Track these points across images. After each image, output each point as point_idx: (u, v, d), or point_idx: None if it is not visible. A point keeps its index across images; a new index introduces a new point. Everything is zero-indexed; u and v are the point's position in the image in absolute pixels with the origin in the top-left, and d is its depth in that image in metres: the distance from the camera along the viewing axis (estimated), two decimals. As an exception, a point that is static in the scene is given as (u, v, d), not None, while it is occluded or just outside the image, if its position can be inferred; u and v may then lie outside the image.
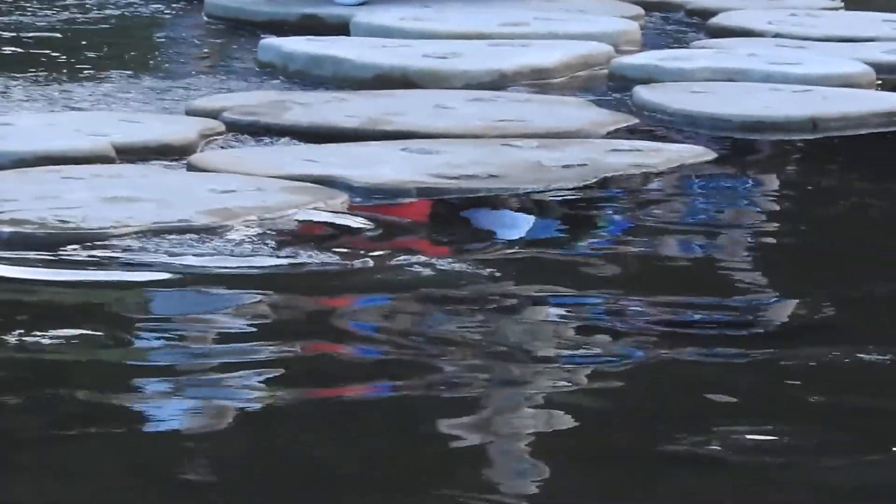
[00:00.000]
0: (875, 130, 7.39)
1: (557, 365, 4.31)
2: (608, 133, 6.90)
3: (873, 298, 5.10)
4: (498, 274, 5.24)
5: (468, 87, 7.99)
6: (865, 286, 5.17)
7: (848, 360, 4.50)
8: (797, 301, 4.79)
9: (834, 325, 4.79)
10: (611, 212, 6.32)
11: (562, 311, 4.68)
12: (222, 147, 6.96)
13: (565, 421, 4.14)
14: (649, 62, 8.06)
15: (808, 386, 4.35)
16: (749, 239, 5.99)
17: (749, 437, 3.75)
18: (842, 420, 4.14)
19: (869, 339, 4.59)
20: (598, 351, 4.55)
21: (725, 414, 4.10)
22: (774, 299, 4.83)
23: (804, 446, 3.74)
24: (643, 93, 7.36)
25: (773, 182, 6.87)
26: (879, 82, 8.05)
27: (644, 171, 6.43)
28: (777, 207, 6.44)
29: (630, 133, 6.98)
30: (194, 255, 5.38)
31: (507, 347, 4.44)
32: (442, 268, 5.33)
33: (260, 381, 3.69)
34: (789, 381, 4.34)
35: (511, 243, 5.76)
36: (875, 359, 4.48)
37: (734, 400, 4.17)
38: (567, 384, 4.15)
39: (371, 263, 5.31)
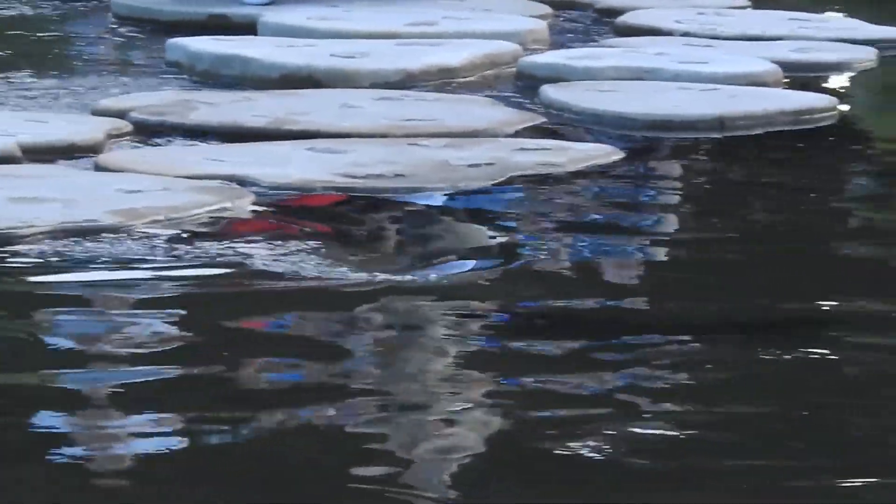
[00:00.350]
0: (783, 129, 7.49)
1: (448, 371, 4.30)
2: (516, 132, 6.94)
3: (774, 293, 5.15)
4: (398, 278, 5.23)
5: (375, 86, 8.03)
6: (769, 282, 5.25)
7: (749, 355, 4.54)
8: (692, 300, 4.89)
9: (739, 323, 4.84)
10: (516, 210, 6.45)
11: (454, 317, 4.61)
12: (129, 147, 6.96)
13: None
14: (557, 61, 8.16)
15: (697, 380, 4.35)
16: (645, 239, 6.08)
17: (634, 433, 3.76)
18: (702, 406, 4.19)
19: (765, 340, 4.68)
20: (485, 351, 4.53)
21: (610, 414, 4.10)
22: (666, 298, 4.86)
23: (682, 440, 3.82)
24: (550, 92, 7.42)
25: (677, 180, 6.94)
26: (787, 81, 8.17)
27: (551, 169, 6.44)
28: (680, 205, 6.51)
29: (537, 132, 7.01)
30: (100, 255, 5.32)
31: (399, 355, 4.43)
32: (340, 268, 5.31)
33: (159, 389, 3.63)
34: (675, 374, 4.35)
35: (415, 242, 5.97)
36: (770, 356, 4.51)
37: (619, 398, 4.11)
38: (457, 393, 4.13)
39: (274, 262, 5.26)
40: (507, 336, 4.62)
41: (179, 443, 3.33)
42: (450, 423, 3.82)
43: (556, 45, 9.21)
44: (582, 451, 3.84)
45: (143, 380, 4.32)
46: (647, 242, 6.05)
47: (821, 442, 4.07)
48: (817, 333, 5.14)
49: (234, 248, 5.59)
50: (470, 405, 3.92)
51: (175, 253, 5.47)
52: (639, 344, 4.77)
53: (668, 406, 4.33)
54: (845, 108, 8.25)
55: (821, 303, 5.51)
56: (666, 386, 4.48)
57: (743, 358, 4.80)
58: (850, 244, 6.31)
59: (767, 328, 5.27)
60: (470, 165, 6.27)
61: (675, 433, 4.05)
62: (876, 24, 9.84)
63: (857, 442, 3.99)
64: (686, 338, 4.74)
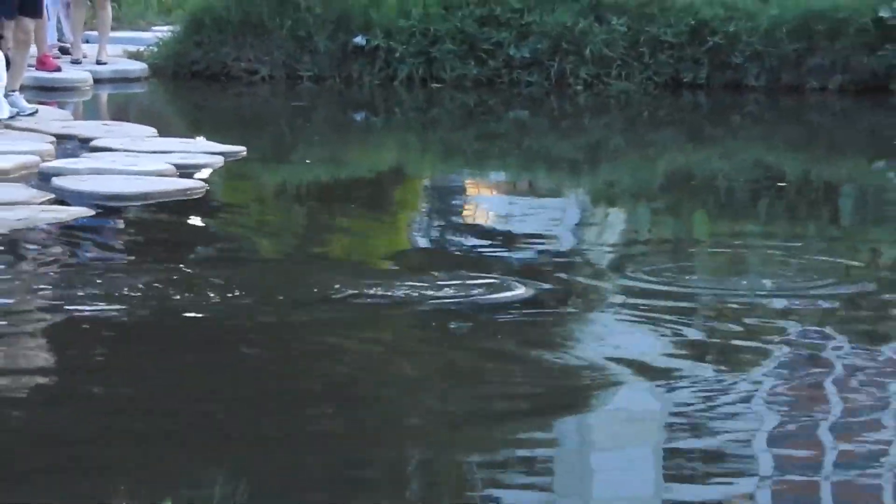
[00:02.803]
0: (174, 199, 10.84)
1: None
2: (40, 202, 10.25)
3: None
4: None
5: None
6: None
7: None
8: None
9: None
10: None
11: None
12: None
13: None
14: (60, 165, 11.67)
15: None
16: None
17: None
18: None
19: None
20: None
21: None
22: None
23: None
24: (56, 181, 10.86)
25: (136, 225, 10.48)
26: (178, 174, 11.45)
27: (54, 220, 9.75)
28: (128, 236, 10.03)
29: (53, 202, 10.33)
30: None
31: None
32: None
33: None
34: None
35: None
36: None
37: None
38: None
39: None
40: None
41: None
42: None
43: (59, 156, 12.22)
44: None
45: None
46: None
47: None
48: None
49: None
50: None
51: None
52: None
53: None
54: (208, 188, 11.36)
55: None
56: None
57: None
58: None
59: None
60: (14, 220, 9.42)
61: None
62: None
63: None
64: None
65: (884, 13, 16.46)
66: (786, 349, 7.40)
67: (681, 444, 6.08)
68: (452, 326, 7.95)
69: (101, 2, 16.96)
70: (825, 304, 8.51)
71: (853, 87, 16.48)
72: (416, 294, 8.27)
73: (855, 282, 9.00)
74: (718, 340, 7.66)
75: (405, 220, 11.69)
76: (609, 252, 10.01)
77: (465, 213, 11.74)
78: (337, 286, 8.38)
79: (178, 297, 8.11)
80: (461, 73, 16.76)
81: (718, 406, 6.54)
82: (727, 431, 6.17)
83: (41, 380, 7.01)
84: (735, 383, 6.84)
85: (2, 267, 8.71)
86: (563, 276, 9.01)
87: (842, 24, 16.58)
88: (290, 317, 8.04)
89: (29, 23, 14.01)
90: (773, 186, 12.77)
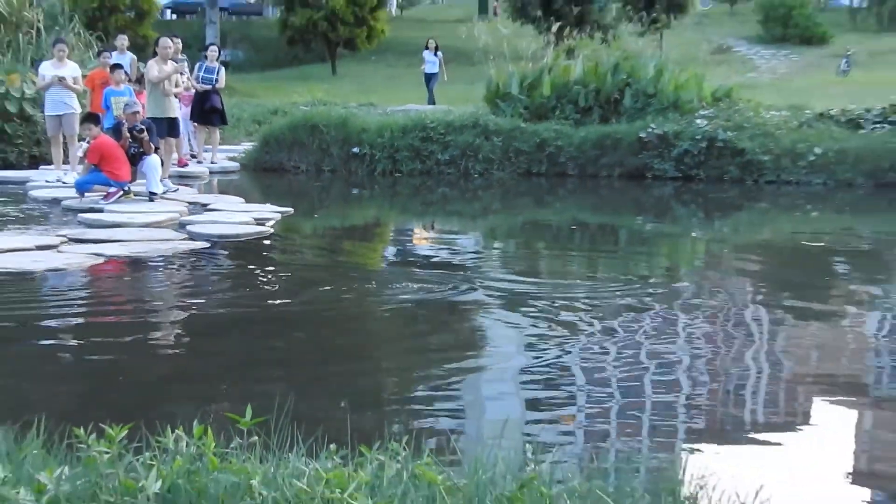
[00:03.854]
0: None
1: None
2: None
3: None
4: None
5: None
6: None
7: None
8: None
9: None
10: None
11: None
12: None
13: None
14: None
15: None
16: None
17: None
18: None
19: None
20: None
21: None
22: None
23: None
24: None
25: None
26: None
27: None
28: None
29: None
30: None
31: None
32: None
33: None
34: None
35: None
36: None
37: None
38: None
39: None
40: None
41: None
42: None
43: (190, 213, 12.95)
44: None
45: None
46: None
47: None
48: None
49: None
50: None
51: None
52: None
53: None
54: (273, 230, 12.24)
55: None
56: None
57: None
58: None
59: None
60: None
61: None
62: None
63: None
64: None
65: (642, 134, 17.96)
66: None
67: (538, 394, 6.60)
68: (421, 313, 8.57)
69: (213, 129, 18.45)
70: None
71: (626, 175, 18.16)
72: (397, 287, 9.29)
73: (628, 284, 9.78)
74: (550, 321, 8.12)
75: (381, 247, 12.94)
76: (484, 265, 11.24)
77: (414, 243, 13.07)
78: (343, 283, 9.53)
79: (255, 290, 9.16)
80: (412, 167, 18.41)
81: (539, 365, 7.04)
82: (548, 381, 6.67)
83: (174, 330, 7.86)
84: (561, 345, 7.39)
85: (162, 273, 9.96)
86: (466, 279, 9.76)
87: (620, 139, 18.25)
88: (318, 303, 8.81)
89: (172, 140, 15.97)
90: (572, 227, 14.15)
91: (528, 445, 3.52)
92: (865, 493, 5.01)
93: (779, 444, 5.59)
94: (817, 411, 6.25)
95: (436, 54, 27.13)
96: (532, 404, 6.20)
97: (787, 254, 12.56)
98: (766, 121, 18.45)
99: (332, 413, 5.34)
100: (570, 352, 7.30)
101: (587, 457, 4.96)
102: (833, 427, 6.01)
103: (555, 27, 29.39)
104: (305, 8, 40.10)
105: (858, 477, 5.19)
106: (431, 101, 26.40)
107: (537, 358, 7.14)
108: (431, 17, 53.26)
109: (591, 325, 8.08)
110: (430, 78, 26.98)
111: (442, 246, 12.45)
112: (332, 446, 3.28)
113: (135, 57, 18.14)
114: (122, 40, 17.96)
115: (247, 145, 20.00)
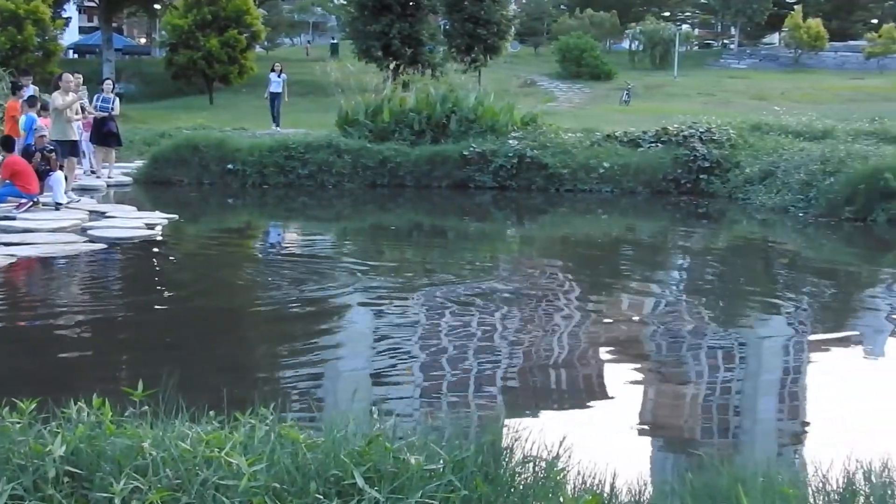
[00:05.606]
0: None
1: None
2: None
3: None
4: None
5: None
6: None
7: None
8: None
9: None
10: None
11: None
12: None
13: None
14: None
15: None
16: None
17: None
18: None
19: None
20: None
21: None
22: None
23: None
24: None
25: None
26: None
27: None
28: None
29: None
30: None
31: None
32: None
33: None
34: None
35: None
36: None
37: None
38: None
39: None
40: None
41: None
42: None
43: (90, 220, 12.56)
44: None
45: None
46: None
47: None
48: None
49: None
50: None
51: None
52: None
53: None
54: (161, 234, 11.99)
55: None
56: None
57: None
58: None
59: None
60: None
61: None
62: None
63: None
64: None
65: (465, 152, 17.97)
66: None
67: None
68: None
69: (109, 150, 18.09)
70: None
71: (453, 185, 18.11)
72: (269, 277, 9.64)
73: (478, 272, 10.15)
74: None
75: (253, 244, 13.03)
76: (340, 256, 11.25)
77: (280, 241, 13.19)
78: (223, 275, 9.77)
79: (147, 283, 9.22)
80: (277, 181, 18.03)
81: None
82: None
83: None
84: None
85: (67, 270, 9.73)
86: (325, 269, 9.87)
87: (448, 156, 18.18)
88: (201, 293, 8.99)
89: (73, 159, 15.48)
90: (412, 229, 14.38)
91: (374, 408, 3.53)
92: (646, 440, 5.22)
93: (578, 403, 5.75)
94: (609, 376, 6.39)
95: (280, 76, 26.57)
96: (377, 375, 6.23)
97: (582, 246, 12.94)
98: (564, 141, 18.74)
99: (212, 385, 5.26)
100: (413, 326, 7.42)
101: (424, 418, 5.03)
102: (622, 387, 6.13)
103: (393, 65, 29.54)
104: (187, 49, 39.54)
105: (643, 429, 5.38)
106: (276, 121, 25.63)
107: (385, 336, 7.22)
108: (293, 57, 52.97)
109: (426, 305, 8.18)
110: (274, 97, 26.27)
111: (304, 242, 12.65)
112: (212, 413, 3.27)
113: (37, 89, 17.63)
114: (28, 79, 17.66)
115: (139, 163, 19.58)
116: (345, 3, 47.07)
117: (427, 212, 16.58)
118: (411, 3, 38.27)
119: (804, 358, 6.88)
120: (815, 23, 52.71)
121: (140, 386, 3.16)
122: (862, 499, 2.92)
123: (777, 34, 64.14)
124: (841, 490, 2.97)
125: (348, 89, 20.61)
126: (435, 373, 6.28)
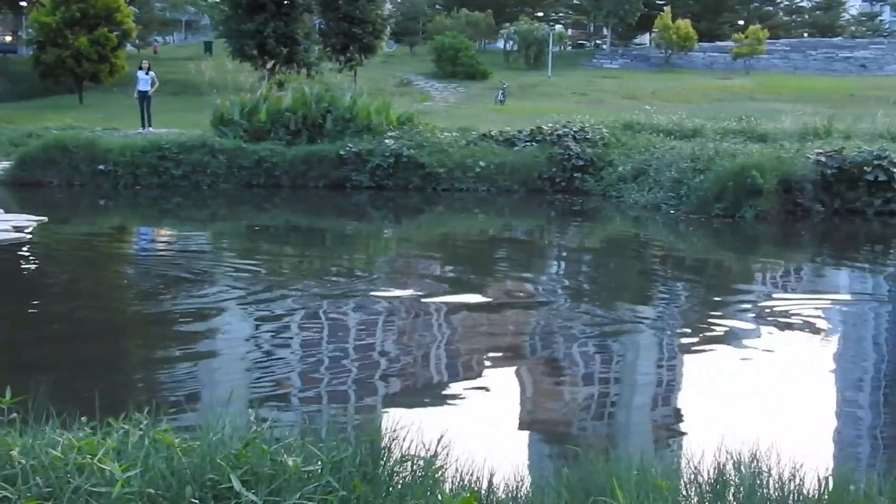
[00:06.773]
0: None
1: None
2: None
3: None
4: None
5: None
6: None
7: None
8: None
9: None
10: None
11: None
12: None
13: None
14: None
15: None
16: None
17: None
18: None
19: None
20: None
21: None
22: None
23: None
24: None
25: None
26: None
27: None
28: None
29: None
30: None
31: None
32: None
33: None
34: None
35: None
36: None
37: None
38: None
39: None
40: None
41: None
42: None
43: None
44: None
45: None
46: None
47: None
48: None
49: None
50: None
51: None
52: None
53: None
54: (31, 236, 11.92)
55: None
56: None
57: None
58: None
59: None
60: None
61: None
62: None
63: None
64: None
65: (342, 152, 18.02)
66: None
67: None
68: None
69: None
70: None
71: (329, 185, 18.18)
72: (144, 278, 9.54)
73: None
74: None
75: (126, 246, 12.93)
76: (215, 257, 11.37)
77: (154, 242, 12.99)
78: (95, 278, 9.76)
79: (15, 285, 9.20)
80: (150, 181, 18.01)
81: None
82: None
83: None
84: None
85: None
86: (198, 269, 9.92)
87: (324, 156, 18.19)
88: (72, 295, 9.10)
89: None
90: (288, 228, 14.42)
91: (250, 411, 3.46)
92: (523, 435, 5.33)
93: (456, 401, 5.78)
94: (487, 374, 6.47)
95: (147, 74, 25.87)
96: (255, 378, 6.21)
97: (459, 244, 13.13)
98: (440, 140, 18.95)
99: (84, 391, 5.14)
100: (287, 326, 7.43)
101: (302, 420, 5.05)
102: (499, 385, 6.22)
103: (269, 64, 29.26)
104: (55, 47, 38.46)
105: (523, 423, 5.49)
106: (148, 121, 24.73)
107: (261, 339, 7.22)
108: (165, 56, 52.04)
109: (303, 306, 8.19)
110: (143, 95, 25.45)
111: (178, 244, 12.48)
112: (84, 419, 3.16)
113: None
114: None
115: (5, 164, 19.24)
116: (218, 1, 46.40)
117: (303, 212, 16.76)
118: (286, 2, 37.98)
119: (676, 352, 7.06)
120: (684, 24, 54.30)
121: (8, 393, 3.07)
122: (732, 489, 2.99)
123: (648, 35, 65.76)
124: (712, 481, 3.04)
125: (223, 88, 20.62)
126: (313, 375, 6.29)
